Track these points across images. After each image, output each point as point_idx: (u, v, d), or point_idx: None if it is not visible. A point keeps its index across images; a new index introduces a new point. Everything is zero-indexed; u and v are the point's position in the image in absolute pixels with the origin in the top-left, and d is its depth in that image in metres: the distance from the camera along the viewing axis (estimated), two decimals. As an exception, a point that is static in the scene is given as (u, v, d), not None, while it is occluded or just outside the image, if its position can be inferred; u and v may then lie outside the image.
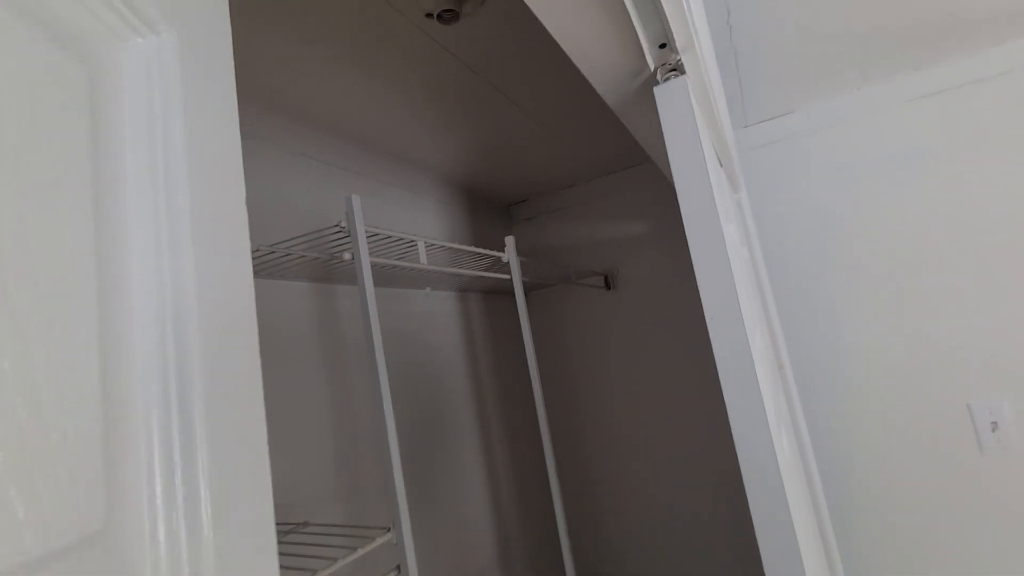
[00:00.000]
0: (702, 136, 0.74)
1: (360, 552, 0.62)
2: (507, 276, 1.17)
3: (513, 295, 1.72)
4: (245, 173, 0.33)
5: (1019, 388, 1.31)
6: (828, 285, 1.51)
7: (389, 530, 0.67)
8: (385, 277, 1.17)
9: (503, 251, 1.20)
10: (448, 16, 0.87)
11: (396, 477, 0.68)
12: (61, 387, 0.19)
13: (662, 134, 0.70)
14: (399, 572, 0.67)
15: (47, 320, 0.18)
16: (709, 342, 0.83)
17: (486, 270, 1.35)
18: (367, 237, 0.83)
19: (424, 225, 1.56)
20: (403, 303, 1.39)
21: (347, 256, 0.74)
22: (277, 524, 0.90)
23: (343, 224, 0.74)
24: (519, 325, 1.85)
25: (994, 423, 1.33)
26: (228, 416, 0.25)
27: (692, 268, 0.71)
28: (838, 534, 1.44)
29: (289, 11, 0.84)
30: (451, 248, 0.98)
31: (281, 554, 0.65)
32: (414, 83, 1.08)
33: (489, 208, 1.93)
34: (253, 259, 0.88)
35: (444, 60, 1.02)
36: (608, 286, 1.84)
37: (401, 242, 0.90)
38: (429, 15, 0.88)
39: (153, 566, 0.19)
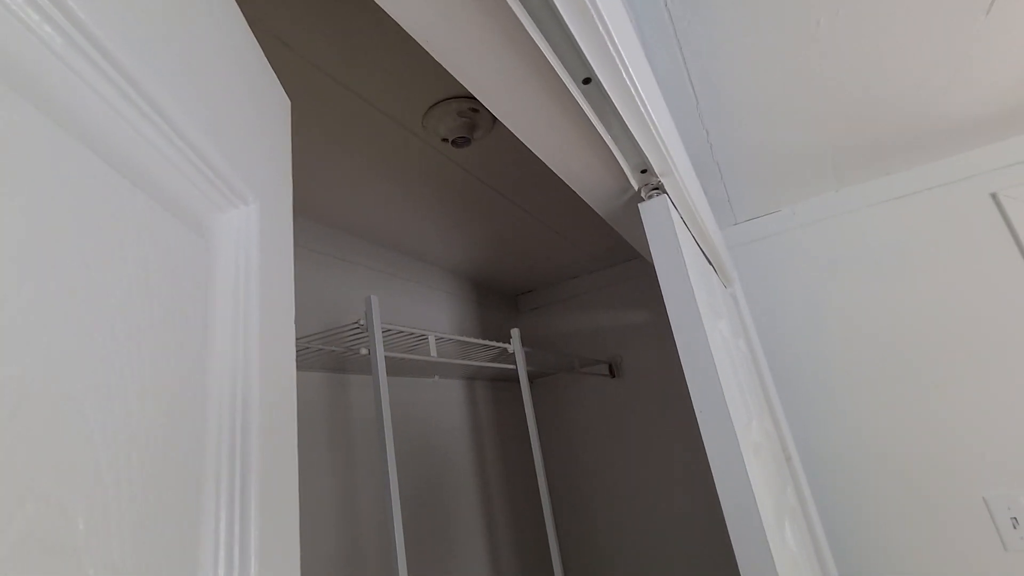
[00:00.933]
0: (685, 243, 0.83)
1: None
2: (512, 366, 1.22)
3: (519, 382, 1.76)
4: (294, 295, 0.41)
5: (1034, 481, 1.29)
6: (828, 376, 1.54)
7: (393, 626, 0.67)
8: (396, 367, 1.23)
9: (509, 342, 1.27)
10: (461, 142, 1.01)
11: (400, 565, 0.69)
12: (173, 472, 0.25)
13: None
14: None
15: (178, 414, 0.25)
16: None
17: (493, 360, 1.40)
18: (382, 332, 0.90)
19: (435, 316, 1.64)
20: (413, 391, 1.44)
21: (363, 351, 0.81)
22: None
23: (361, 321, 0.82)
24: (525, 412, 1.86)
25: (1014, 519, 1.29)
26: (274, 506, 0.31)
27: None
28: (866, 644, 1.35)
29: (319, 130, 0.98)
30: (459, 341, 1.05)
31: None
32: (429, 193, 1.21)
33: (497, 298, 2.02)
34: (277, 352, 0.95)
35: (456, 175, 1.16)
36: (612, 374, 1.87)
37: (413, 335, 0.97)
38: (445, 140, 1.02)
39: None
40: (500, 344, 1.17)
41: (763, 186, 1.54)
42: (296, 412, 0.37)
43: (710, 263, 1.19)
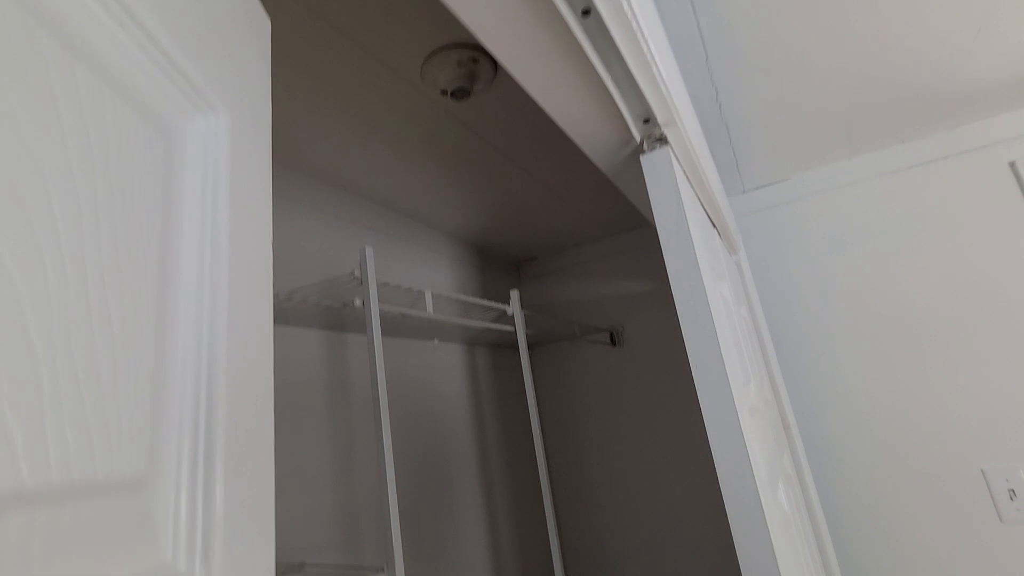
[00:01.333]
0: (687, 199, 0.80)
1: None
2: (511, 328, 1.22)
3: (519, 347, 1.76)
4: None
5: (1034, 454, 1.28)
6: (833, 349, 1.52)
7: (382, 570, 0.68)
8: (394, 327, 1.23)
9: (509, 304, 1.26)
10: (460, 93, 0.98)
11: (392, 517, 0.70)
12: (131, 357, 0.24)
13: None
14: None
15: (128, 304, 0.24)
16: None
17: (492, 322, 1.39)
18: (378, 286, 0.89)
19: (435, 280, 1.63)
20: (412, 354, 1.44)
21: (358, 302, 0.80)
22: (276, 564, 0.91)
23: (356, 272, 0.81)
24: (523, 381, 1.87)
25: (1012, 490, 1.29)
26: (245, 403, 0.30)
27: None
28: (855, 609, 1.37)
29: (315, 82, 0.96)
30: (457, 299, 1.04)
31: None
32: (428, 151, 1.19)
33: (499, 266, 2.01)
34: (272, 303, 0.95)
35: (456, 131, 1.13)
36: (614, 343, 1.87)
37: (410, 293, 0.96)
38: (444, 92, 0.99)
39: (174, 522, 0.24)
40: (499, 305, 1.16)
41: (773, 152, 1.50)
42: (272, 345, 0.36)
43: (714, 227, 1.16)
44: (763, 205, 1.69)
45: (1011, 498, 1.29)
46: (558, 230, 1.86)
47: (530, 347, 2.04)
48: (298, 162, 1.18)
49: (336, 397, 1.16)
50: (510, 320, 1.21)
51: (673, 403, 1.78)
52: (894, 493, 1.39)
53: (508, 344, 1.83)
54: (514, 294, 1.22)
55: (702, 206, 1.02)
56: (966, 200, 1.43)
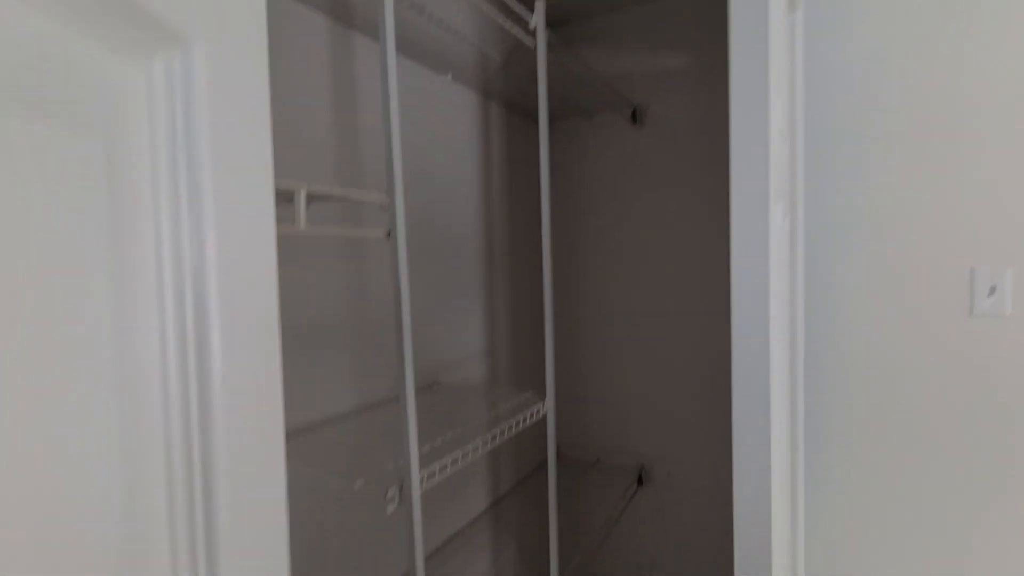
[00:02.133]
0: None
1: (354, 197, 0.66)
2: (531, 43, 1.11)
3: (535, 121, 1.66)
4: None
5: (1029, 259, 1.29)
6: (862, 133, 1.43)
7: (383, 192, 0.70)
8: (404, 41, 1.13)
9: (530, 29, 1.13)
10: None
11: (395, 148, 0.70)
12: None
13: None
14: (389, 236, 0.72)
15: None
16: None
17: (509, 55, 1.28)
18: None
19: (449, 11, 1.46)
20: (423, 89, 1.35)
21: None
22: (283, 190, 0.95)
23: None
24: (537, 155, 1.80)
25: (992, 287, 1.33)
26: None
27: (725, 112, 0.66)
28: (807, 376, 1.51)
29: None
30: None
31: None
32: None
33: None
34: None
35: None
36: (635, 120, 1.77)
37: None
38: None
39: None
40: (522, 8, 1.03)
41: None
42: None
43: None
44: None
45: (989, 294, 1.33)
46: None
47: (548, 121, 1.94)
48: None
49: (342, 104, 1.10)
50: (531, 34, 1.10)
51: (692, 188, 1.74)
52: (878, 281, 1.43)
53: (524, 111, 1.73)
54: (539, 5, 1.08)
55: None
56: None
